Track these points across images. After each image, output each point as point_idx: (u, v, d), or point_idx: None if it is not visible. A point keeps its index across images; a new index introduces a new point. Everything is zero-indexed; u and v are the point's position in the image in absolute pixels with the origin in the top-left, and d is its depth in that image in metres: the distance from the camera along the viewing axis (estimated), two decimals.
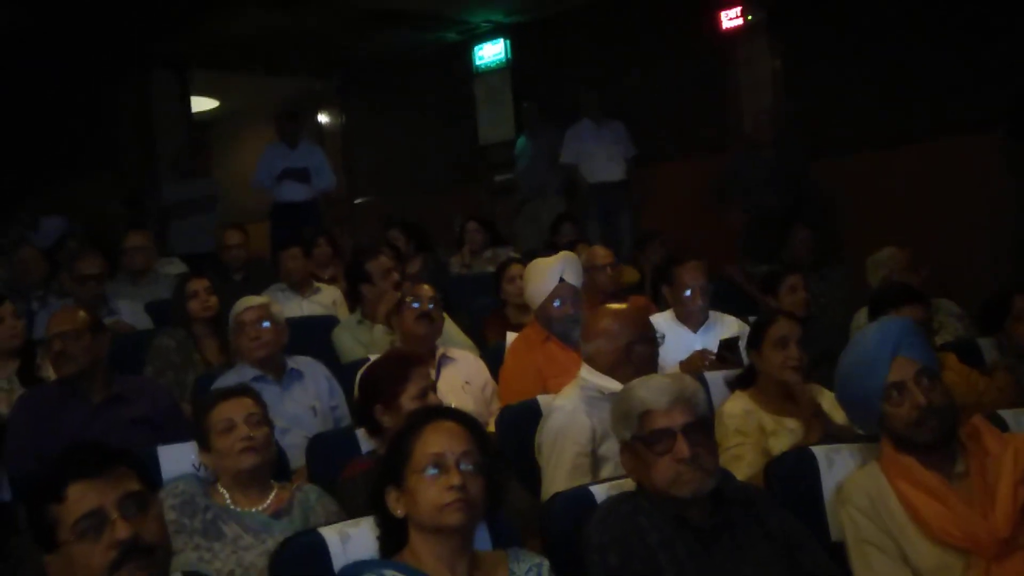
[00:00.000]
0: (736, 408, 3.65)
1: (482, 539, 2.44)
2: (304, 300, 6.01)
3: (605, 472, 3.25)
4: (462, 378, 4.37)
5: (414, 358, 3.36)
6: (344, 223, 9.85)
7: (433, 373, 4.32)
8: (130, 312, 5.63)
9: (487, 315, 5.55)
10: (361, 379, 3.37)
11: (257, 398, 3.14)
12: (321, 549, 2.34)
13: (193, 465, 3.19)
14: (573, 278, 4.46)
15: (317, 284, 6.20)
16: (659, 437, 2.51)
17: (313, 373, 4.26)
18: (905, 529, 2.70)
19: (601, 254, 5.75)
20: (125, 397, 3.81)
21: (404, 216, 7.83)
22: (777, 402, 3.64)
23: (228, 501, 2.98)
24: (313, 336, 5.14)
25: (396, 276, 5.13)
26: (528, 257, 5.60)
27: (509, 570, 2.29)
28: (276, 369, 4.21)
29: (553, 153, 8.50)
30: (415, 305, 4.36)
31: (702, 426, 2.55)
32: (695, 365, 4.41)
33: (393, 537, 2.28)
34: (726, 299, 5.70)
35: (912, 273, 5.24)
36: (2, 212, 8.26)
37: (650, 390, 2.55)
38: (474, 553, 2.29)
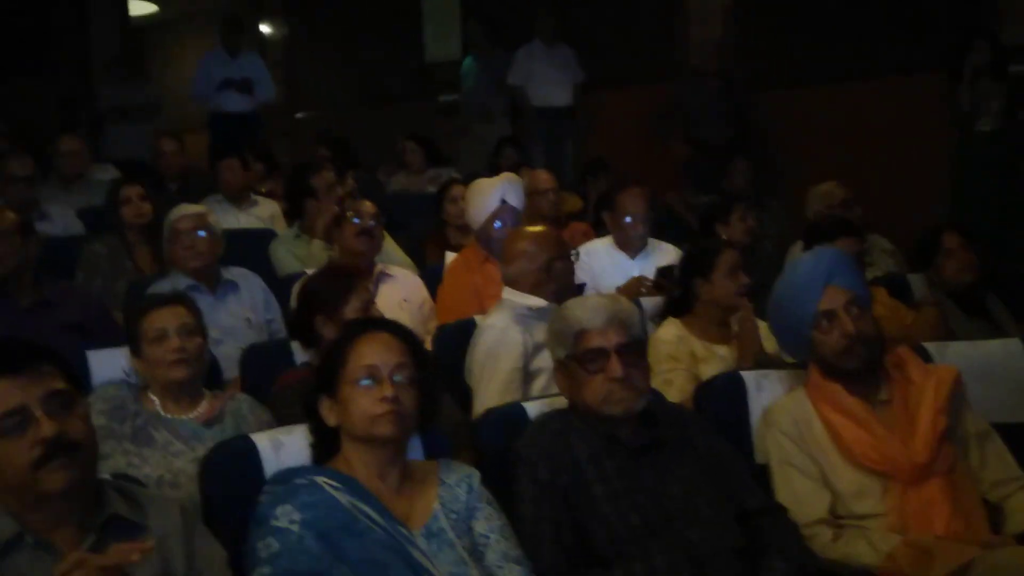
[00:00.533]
0: (669, 334, 3.69)
1: (415, 450, 2.45)
2: (241, 212, 5.93)
3: (537, 386, 3.29)
4: (400, 296, 4.36)
5: (356, 271, 3.34)
6: (284, 137, 9.71)
7: (371, 289, 4.32)
8: (61, 217, 5.51)
9: (427, 235, 5.53)
10: (301, 290, 3.35)
11: (191, 306, 3.09)
12: (252, 455, 2.34)
13: (124, 371, 3.16)
14: (515, 200, 4.47)
15: (255, 197, 6.12)
16: (593, 356, 2.53)
17: (248, 285, 4.22)
18: (827, 453, 2.77)
19: (543, 179, 5.74)
20: (54, 302, 3.75)
21: (340, 132, 7.72)
22: (710, 329, 3.69)
23: (159, 408, 2.97)
24: (249, 249, 5.08)
25: (340, 191, 5.07)
26: (470, 179, 5.56)
27: (439, 480, 2.31)
28: (210, 279, 4.17)
29: (499, 75, 8.42)
30: (356, 221, 4.33)
31: (635, 347, 2.58)
32: (632, 291, 4.45)
33: (325, 445, 2.29)
34: (665, 228, 5.75)
35: (848, 209, 5.30)
36: None
37: (586, 310, 2.57)
38: (406, 463, 2.31)
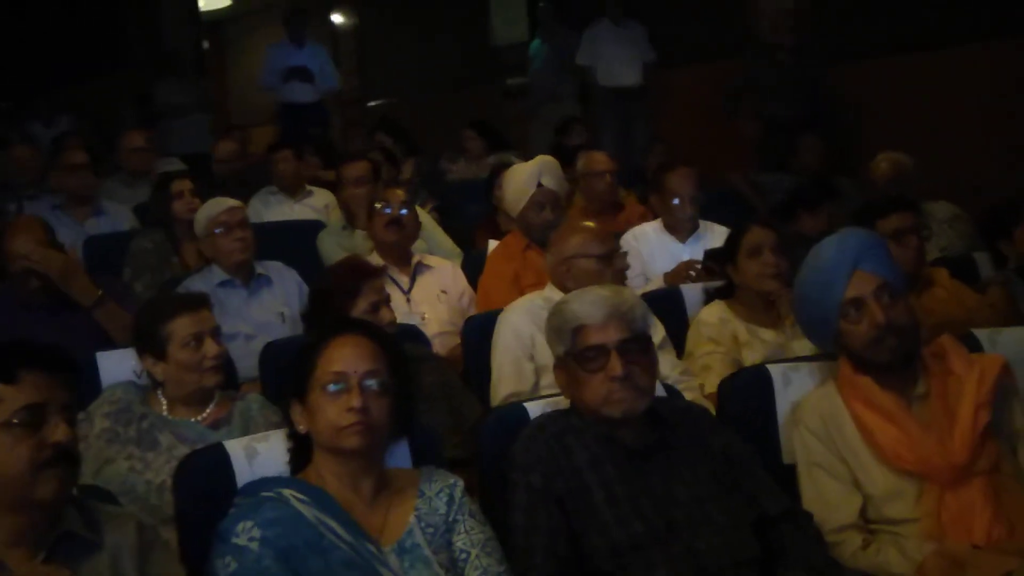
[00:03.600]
0: (711, 316, 3.52)
1: (400, 456, 2.33)
2: (295, 204, 5.89)
3: (545, 382, 3.15)
4: (438, 287, 4.25)
5: (367, 270, 3.22)
6: (356, 126, 9.68)
7: (407, 281, 4.22)
8: (117, 213, 5.54)
9: (478, 222, 5.41)
10: (312, 289, 3.27)
11: (211, 310, 3.03)
12: (224, 464, 2.24)
13: (133, 372, 3.10)
14: (552, 183, 4.31)
15: (310, 187, 6.06)
16: (592, 354, 2.37)
17: (281, 278, 4.14)
18: (858, 452, 2.58)
19: (599, 160, 5.56)
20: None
21: (407, 119, 7.65)
22: (755, 312, 3.51)
23: (165, 410, 2.91)
24: (298, 241, 5.04)
25: (369, 182, 4.96)
26: None
27: (419, 490, 2.18)
28: (245, 274, 4.10)
29: (567, 56, 8.25)
30: (386, 211, 4.22)
31: (638, 343, 2.41)
32: (680, 276, 4.27)
33: (301, 452, 2.17)
34: (728, 209, 5.53)
35: (908, 183, 4.98)
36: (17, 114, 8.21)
37: (584, 304, 2.41)
38: (382, 472, 2.18)
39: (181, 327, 2.85)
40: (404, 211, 4.24)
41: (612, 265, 3.37)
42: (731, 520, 2.35)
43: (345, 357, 2.12)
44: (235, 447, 2.28)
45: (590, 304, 2.40)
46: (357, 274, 3.17)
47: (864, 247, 2.62)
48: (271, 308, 4.05)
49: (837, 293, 2.59)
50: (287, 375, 2.19)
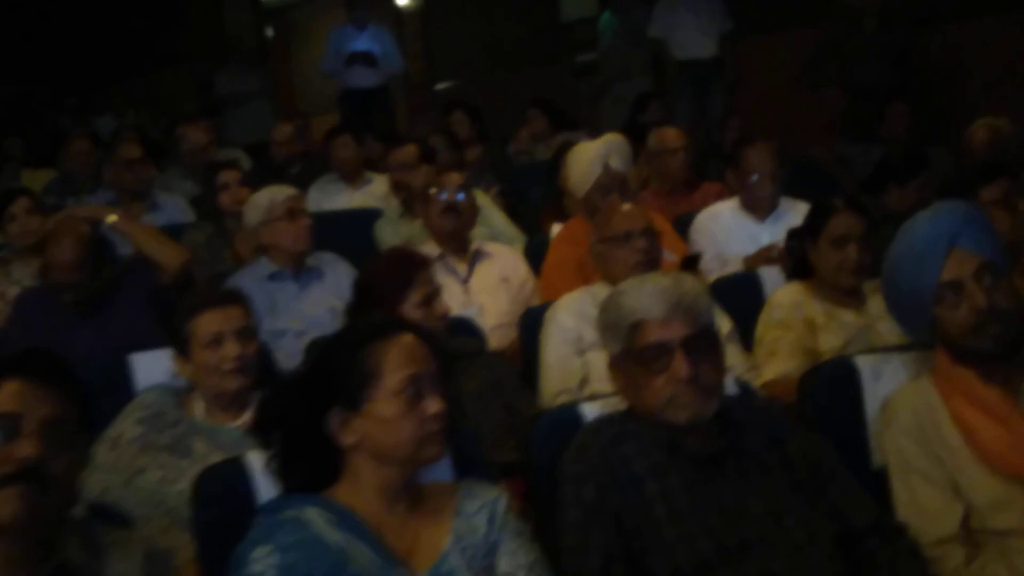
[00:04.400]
0: (785, 298, 3.23)
1: (442, 468, 2.10)
2: (355, 191, 5.69)
3: (595, 382, 2.91)
4: (498, 275, 4.01)
5: (417, 260, 2.99)
6: (423, 110, 9.48)
7: (465, 270, 3.99)
8: (174, 206, 5.40)
9: (543, 205, 5.15)
10: (358, 282, 3.04)
11: (248, 307, 2.82)
12: (243, 479, 2.04)
13: (170, 373, 2.92)
14: (620, 164, 4.04)
15: (369, 174, 5.86)
16: (654, 353, 2.10)
17: (334, 271, 3.94)
18: (958, 456, 2.28)
19: (672, 137, 5.26)
20: (115, 302, 3.55)
21: (475, 101, 7.40)
22: (834, 293, 3.20)
23: (202, 415, 2.72)
24: (356, 230, 4.85)
25: (417, 167, 4.74)
26: None
27: (457, 508, 1.94)
28: (297, 266, 3.91)
29: (639, 29, 7.90)
30: (441, 196, 3.98)
31: (704, 338, 2.13)
32: (760, 262, 3.97)
33: (314, 470, 1.93)
34: (811, 184, 5.20)
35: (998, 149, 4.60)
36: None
37: (643, 297, 2.14)
38: (419, 487, 1.95)
39: (203, 325, 2.66)
40: (460, 196, 4.00)
41: (634, 246, 3.10)
42: (812, 536, 2.08)
43: (412, 359, 1.89)
44: (256, 460, 2.07)
45: (649, 296, 2.13)
46: (408, 265, 2.95)
47: (961, 222, 2.31)
48: (323, 303, 3.85)
49: (932, 275, 2.30)
50: (323, 381, 1.94)
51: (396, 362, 1.89)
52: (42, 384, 1.73)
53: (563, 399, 2.93)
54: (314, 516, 1.84)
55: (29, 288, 3.73)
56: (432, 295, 2.92)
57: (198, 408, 2.73)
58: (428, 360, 1.92)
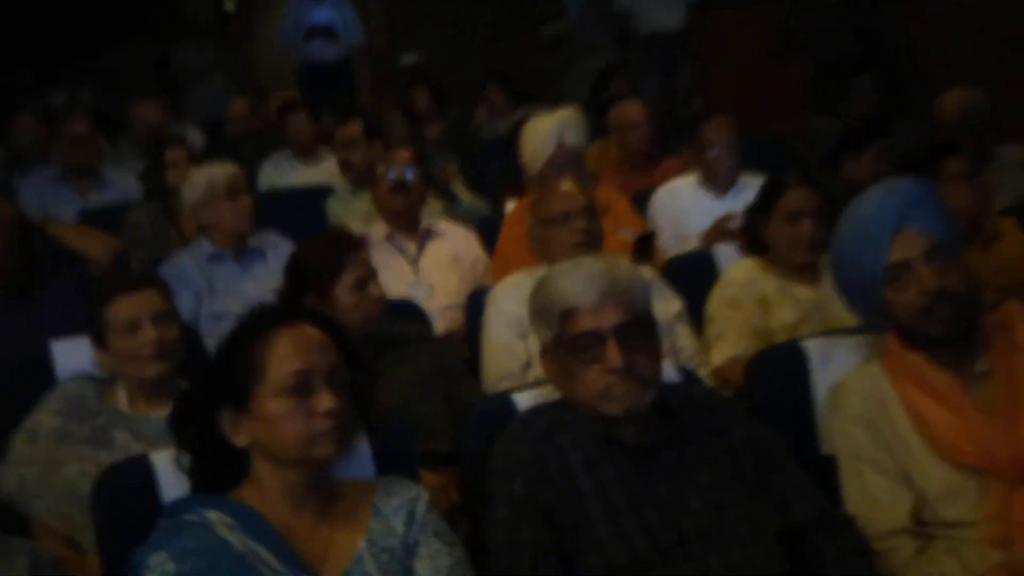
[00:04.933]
0: (738, 275, 3.14)
1: (361, 464, 1.99)
2: (308, 168, 5.54)
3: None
4: (449, 254, 3.89)
5: (349, 241, 2.86)
6: (387, 83, 9.30)
7: (414, 249, 3.87)
8: (122, 184, 5.24)
9: (503, 181, 5.02)
10: (288, 265, 2.92)
11: (164, 290, 2.70)
12: (148, 478, 1.92)
13: (92, 362, 2.79)
14: (574, 139, 3.92)
15: (325, 151, 5.71)
16: (586, 342, 2.00)
17: (277, 252, 3.79)
18: (909, 443, 2.19)
19: (633, 111, 5.14)
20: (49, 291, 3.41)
21: (439, 74, 7.25)
22: (788, 269, 3.10)
23: (124, 405, 2.60)
24: (307, 208, 4.71)
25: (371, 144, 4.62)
26: None
27: (374, 507, 1.82)
28: (238, 247, 3.78)
29: (606, 2, 7.77)
30: (390, 174, 3.85)
31: (639, 326, 2.03)
32: (717, 234, 3.88)
33: (219, 470, 1.82)
34: (776, 160, 5.10)
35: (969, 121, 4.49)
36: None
37: (573, 281, 2.02)
38: (332, 486, 1.84)
39: (117, 311, 2.54)
40: (409, 173, 3.87)
41: (573, 227, 2.98)
42: (754, 531, 1.98)
43: (303, 352, 1.76)
44: (162, 459, 1.95)
45: (580, 281, 2.02)
46: (339, 246, 2.82)
47: (911, 201, 2.22)
48: (265, 284, 3.68)
49: (880, 257, 2.20)
50: (213, 380, 1.82)
51: (281, 357, 1.76)
52: None
53: (506, 384, 2.83)
54: (217, 519, 1.72)
55: None
56: (366, 278, 2.79)
57: (120, 398, 2.61)
58: (324, 352, 1.79)
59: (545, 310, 2.06)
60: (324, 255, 2.81)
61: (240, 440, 1.78)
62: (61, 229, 3.86)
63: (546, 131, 3.91)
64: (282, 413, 1.74)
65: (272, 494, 1.77)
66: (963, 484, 2.12)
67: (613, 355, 1.97)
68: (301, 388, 1.74)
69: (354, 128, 4.77)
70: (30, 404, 2.60)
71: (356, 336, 2.70)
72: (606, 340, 1.98)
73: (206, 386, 1.82)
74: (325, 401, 1.74)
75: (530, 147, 3.98)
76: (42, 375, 2.77)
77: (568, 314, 2.02)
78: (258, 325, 1.82)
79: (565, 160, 3.86)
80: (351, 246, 2.82)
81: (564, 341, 2.02)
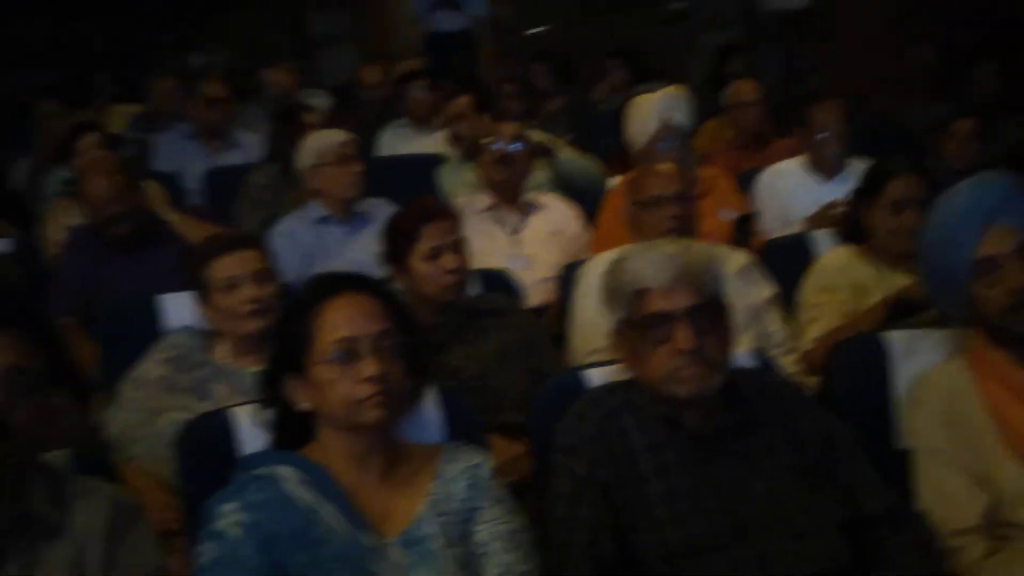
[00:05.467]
0: (831, 261, 3.10)
1: (430, 428, 2.06)
2: (426, 137, 5.63)
3: None
4: (550, 228, 3.94)
5: (427, 212, 2.90)
6: (513, 55, 9.32)
7: (516, 220, 3.93)
8: (251, 146, 5.43)
9: (612, 156, 5.03)
10: (381, 231, 3.00)
11: (263, 249, 2.81)
12: (227, 432, 2.02)
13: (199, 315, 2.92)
14: (678, 118, 3.91)
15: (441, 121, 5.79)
16: (656, 322, 2.00)
17: (384, 217, 3.90)
18: (989, 442, 2.16)
19: (747, 90, 5.13)
20: (162, 242, 3.58)
21: (563, 47, 7.24)
22: (889, 257, 3.03)
23: (225, 359, 2.72)
24: (419, 176, 4.80)
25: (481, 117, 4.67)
26: None
27: (437, 471, 1.89)
28: (346, 211, 3.89)
29: None
30: (495, 147, 3.91)
31: (711, 310, 2.03)
32: (822, 220, 3.82)
33: (292, 430, 1.90)
34: (890, 145, 4.99)
35: None
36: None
37: (647, 263, 2.04)
38: (398, 448, 1.90)
39: (218, 271, 2.64)
40: (514, 146, 3.92)
41: (665, 211, 2.97)
42: (815, 521, 1.98)
43: (349, 320, 1.83)
44: (243, 414, 2.05)
45: (653, 264, 2.03)
46: (416, 217, 2.87)
47: (1003, 196, 2.17)
48: (371, 248, 3.77)
49: (967, 251, 2.16)
50: (276, 346, 1.91)
51: (329, 325, 1.83)
52: (5, 332, 1.73)
53: (594, 359, 2.86)
54: (288, 474, 1.81)
55: (79, 226, 3.78)
56: (441, 248, 2.81)
57: (222, 351, 2.73)
58: (370, 320, 1.83)
59: (618, 290, 2.08)
60: (402, 224, 2.89)
61: (303, 403, 1.86)
62: (178, 217, 3.99)
63: (651, 108, 3.91)
64: (329, 379, 1.81)
65: (337, 455, 1.85)
66: None
67: (683, 336, 1.98)
68: (347, 355, 1.80)
69: (463, 101, 4.83)
70: (140, 354, 2.74)
71: (435, 305, 2.80)
72: (676, 321, 1.99)
73: (274, 352, 1.90)
74: (369, 367, 1.78)
75: (634, 124, 3.99)
76: (151, 326, 2.91)
77: (640, 294, 2.03)
78: (313, 295, 1.89)
79: (668, 138, 3.85)
80: (428, 216, 2.86)
81: (635, 321, 2.04)
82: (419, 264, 2.79)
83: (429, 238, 2.79)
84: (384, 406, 1.80)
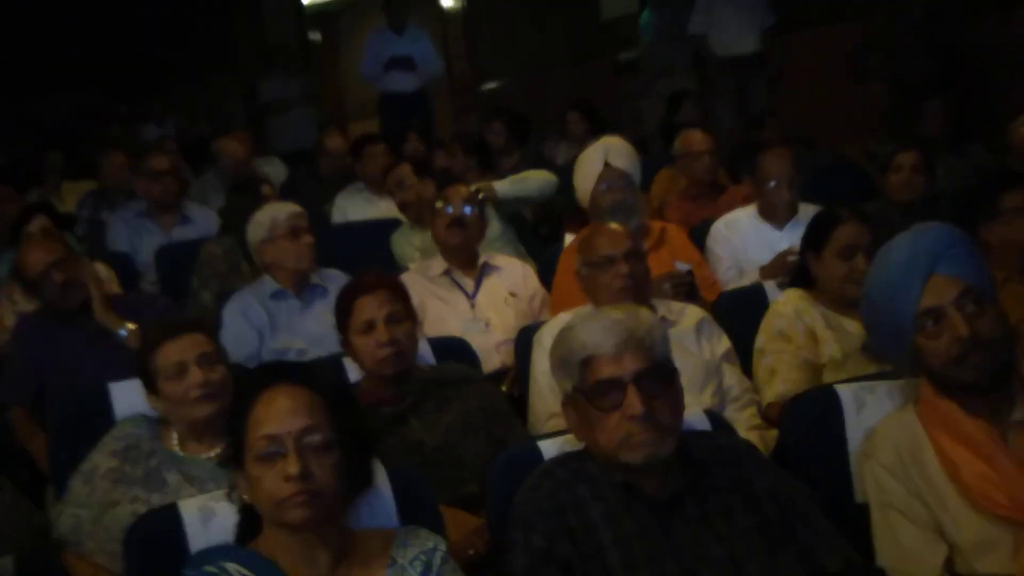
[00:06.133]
0: (786, 307, 3.10)
1: (381, 512, 2.03)
2: (383, 202, 5.62)
3: None
4: (506, 289, 3.92)
5: (364, 283, 2.90)
6: (470, 112, 9.40)
7: (472, 285, 3.92)
8: (205, 219, 5.38)
9: (565, 213, 5.05)
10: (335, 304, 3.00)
11: (209, 332, 2.78)
12: (176, 527, 1.99)
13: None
14: (620, 161, 3.99)
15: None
16: (605, 389, 2.01)
17: (338, 288, 3.88)
18: (942, 493, 2.15)
19: (697, 140, 5.17)
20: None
21: (519, 100, 7.30)
22: (838, 304, 3.06)
23: (175, 447, 2.68)
24: (375, 241, 4.80)
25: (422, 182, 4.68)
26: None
27: (390, 558, 1.87)
28: (300, 284, 3.87)
29: (680, 26, 7.74)
30: (447, 210, 3.90)
31: (659, 373, 2.04)
32: (777, 269, 3.84)
33: (250, 522, 1.88)
34: (845, 185, 5.05)
35: None
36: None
37: (592, 331, 2.04)
38: (348, 536, 1.88)
39: (164, 357, 2.61)
40: (467, 209, 3.92)
41: (616, 271, 2.98)
42: None
43: (275, 415, 1.81)
44: (190, 508, 2.02)
45: (599, 330, 2.04)
46: (350, 291, 2.89)
47: (942, 246, 2.18)
48: (326, 321, 3.75)
49: (910, 302, 2.17)
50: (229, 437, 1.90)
51: (257, 421, 1.83)
52: None
53: (553, 423, 2.85)
54: (235, 570, 1.78)
55: (27, 312, 3.74)
56: (374, 322, 2.81)
57: (174, 439, 2.69)
58: (296, 415, 1.81)
59: (566, 360, 2.08)
60: (341, 299, 2.91)
61: (244, 494, 1.85)
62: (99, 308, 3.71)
63: (592, 155, 4.03)
64: (256, 476, 1.80)
65: (281, 549, 1.83)
66: (997, 536, 2.08)
67: (633, 402, 1.98)
68: (272, 453, 1.79)
69: (403, 170, 4.85)
70: (90, 444, 2.69)
71: (383, 379, 2.79)
72: (626, 387, 1.99)
73: (229, 442, 1.88)
74: (291, 466, 1.77)
75: (580, 172, 4.07)
76: (100, 415, 2.88)
77: (588, 362, 2.03)
78: (247, 388, 1.89)
79: (610, 179, 3.93)
80: (361, 289, 2.86)
81: (584, 389, 2.04)
82: (355, 338, 2.80)
83: (360, 312, 2.80)
84: (306, 506, 1.78)
